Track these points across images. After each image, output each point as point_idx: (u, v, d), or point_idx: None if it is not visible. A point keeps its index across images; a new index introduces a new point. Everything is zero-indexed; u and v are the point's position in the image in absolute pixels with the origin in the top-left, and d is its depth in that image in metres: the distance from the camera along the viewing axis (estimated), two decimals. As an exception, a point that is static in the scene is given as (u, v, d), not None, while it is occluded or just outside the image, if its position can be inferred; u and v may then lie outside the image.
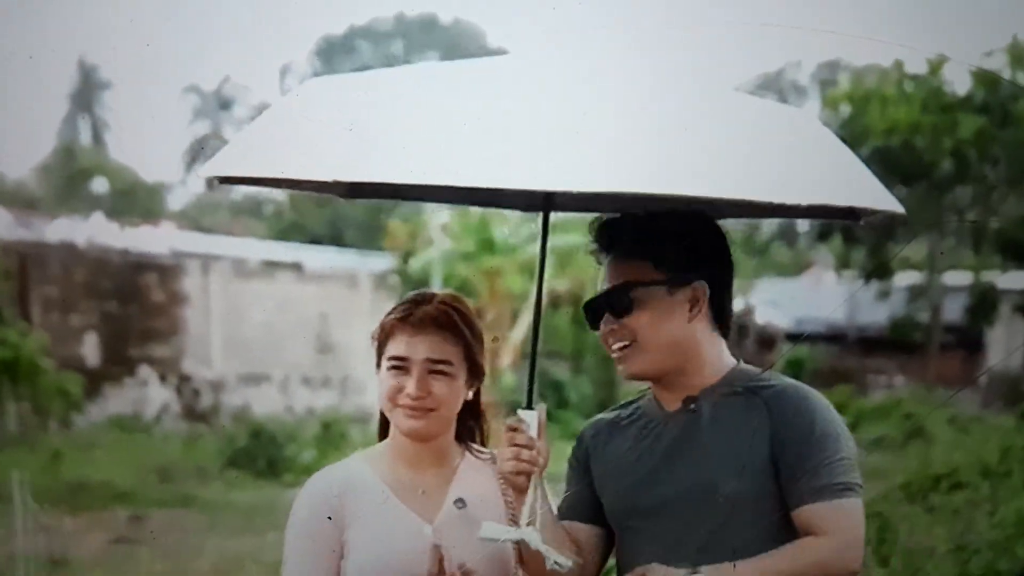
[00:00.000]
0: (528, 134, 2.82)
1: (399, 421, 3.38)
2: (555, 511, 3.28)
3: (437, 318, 3.37)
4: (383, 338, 3.42)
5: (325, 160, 2.91)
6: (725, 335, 3.27)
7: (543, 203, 3.36)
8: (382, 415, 3.57)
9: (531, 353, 3.34)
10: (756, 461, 3.08)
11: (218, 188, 60.64)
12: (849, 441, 3.13)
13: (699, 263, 3.18)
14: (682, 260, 3.16)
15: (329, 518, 3.39)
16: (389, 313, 3.47)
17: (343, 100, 3.09)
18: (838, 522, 3.05)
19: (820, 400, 3.15)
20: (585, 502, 3.32)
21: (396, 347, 3.37)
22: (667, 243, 3.16)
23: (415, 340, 3.35)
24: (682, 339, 3.17)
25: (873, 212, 3.22)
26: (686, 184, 2.73)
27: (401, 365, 3.35)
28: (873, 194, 3.10)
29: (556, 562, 3.10)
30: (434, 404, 3.35)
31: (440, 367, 3.35)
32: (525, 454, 3.12)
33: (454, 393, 3.40)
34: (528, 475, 3.14)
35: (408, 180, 2.88)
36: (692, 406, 3.18)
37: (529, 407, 3.20)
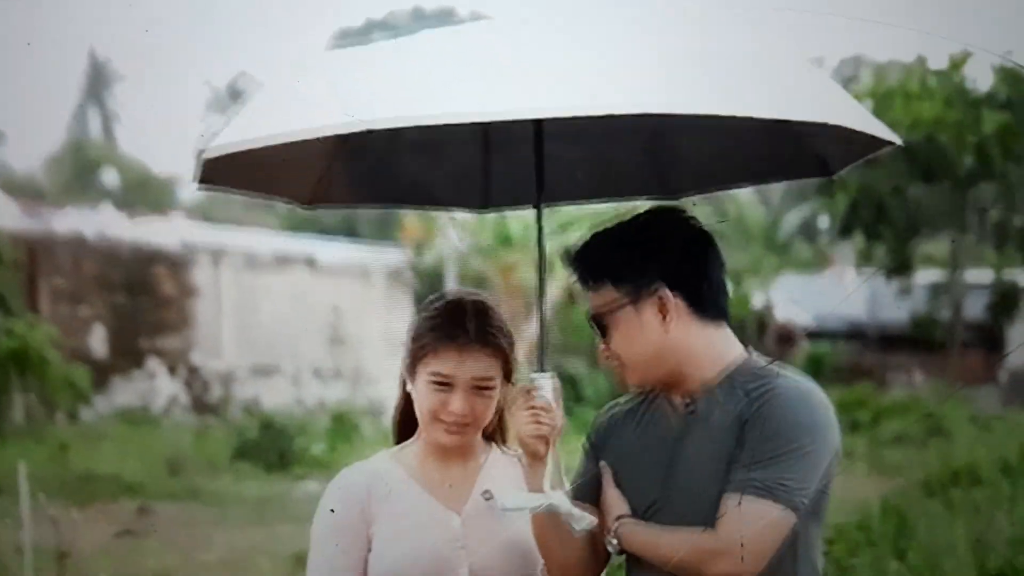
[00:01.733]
0: (517, 62, 2.83)
1: (438, 436, 3.41)
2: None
3: (484, 340, 3.39)
4: (422, 352, 3.41)
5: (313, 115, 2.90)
6: (725, 321, 3.23)
7: (536, 188, 3.39)
8: (401, 417, 3.62)
9: (539, 316, 3.37)
10: (732, 458, 3.03)
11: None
12: (817, 449, 3.03)
13: (656, 269, 3.14)
14: (638, 273, 3.14)
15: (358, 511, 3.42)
16: (423, 323, 3.47)
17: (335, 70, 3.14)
18: (734, 519, 2.97)
19: (809, 401, 3.09)
20: (596, 486, 3.28)
21: (441, 365, 3.36)
22: (618, 261, 3.17)
23: (462, 360, 3.36)
24: (664, 348, 3.14)
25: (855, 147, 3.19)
26: (661, 101, 2.74)
27: (446, 382, 3.36)
28: (867, 120, 3.05)
29: (586, 524, 3.11)
30: (475, 421, 3.39)
31: (485, 383, 3.38)
32: (544, 416, 3.11)
33: (493, 408, 3.44)
34: (546, 440, 3.13)
35: (394, 120, 2.82)
36: (691, 407, 3.17)
37: (541, 371, 3.19)
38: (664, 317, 3.12)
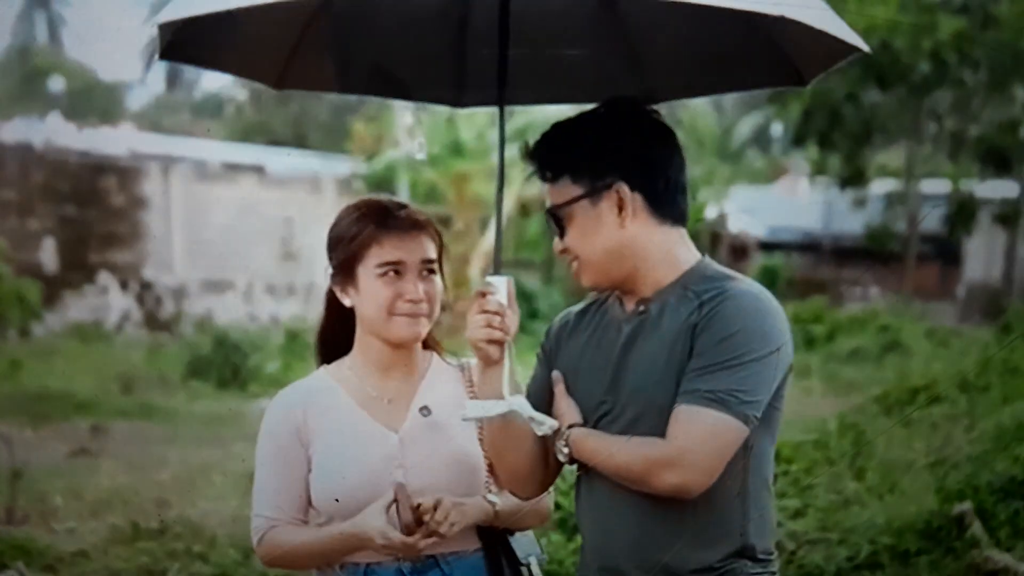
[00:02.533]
0: None
1: (397, 330, 3.42)
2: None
3: (418, 220, 3.45)
4: (362, 248, 3.41)
5: None
6: (682, 225, 3.20)
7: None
8: (324, 338, 3.64)
9: (496, 218, 3.34)
10: (683, 365, 3.01)
11: (179, 85, 60.36)
12: (768, 356, 2.99)
13: (615, 164, 3.11)
14: (597, 167, 3.11)
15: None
16: (350, 225, 3.47)
17: None
18: (684, 429, 2.94)
19: (761, 307, 3.05)
20: (548, 394, 3.27)
21: (388, 253, 3.40)
22: (577, 155, 3.14)
23: (407, 243, 3.41)
24: (618, 245, 3.11)
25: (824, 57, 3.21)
26: None
27: (396, 269, 3.38)
28: (836, 23, 3.05)
29: (547, 426, 3.12)
30: (429, 306, 3.44)
31: (431, 266, 3.44)
32: (496, 320, 3.11)
33: (440, 294, 3.49)
34: (500, 343, 3.13)
35: None
36: (642, 308, 3.15)
37: (497, 274, 3.20)
38: (620, 212, 3.10)
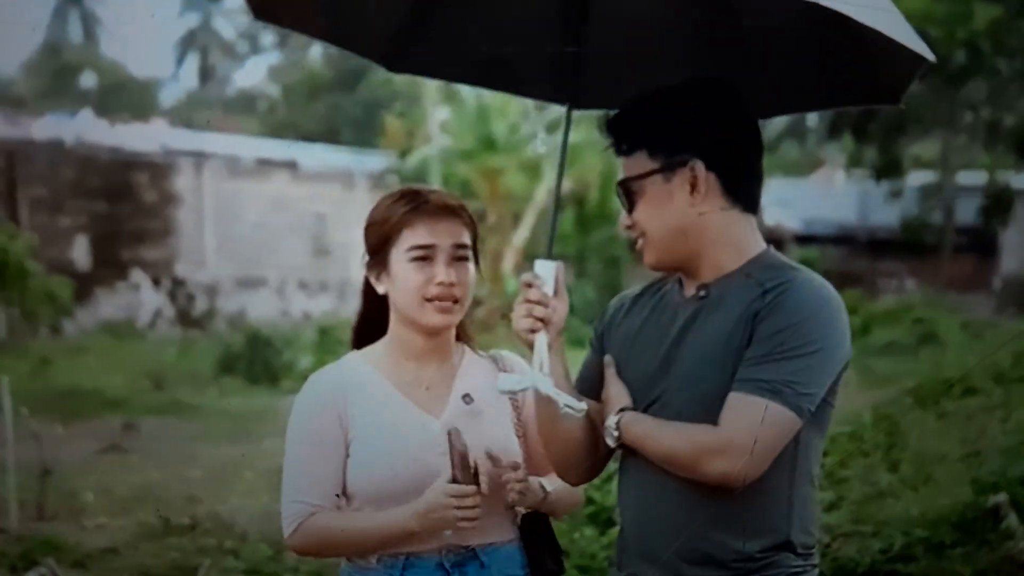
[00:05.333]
0: None
1: (428, 316, 3.40)
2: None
3: (451, 205, 3.43)
4: (394, 231, 3.41)
5: None
6: (753, 213, 3.16)
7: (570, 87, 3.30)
8: (361, 326, 3.62)
9: (554, 204, 3.40)
10: (741, 352, 2.96)
11: (211, 80, 60.53)
12: (828, 350, 2.95)
13: (693, 142, 3.06)
14: (674, 143, 3.06)
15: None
16: (384, 210, 3.47)
17: None
18: (737, 417, 2.89)
19: (825, 300, 2.99)
20: (596, 379, 3.24)
21: (418, 236, 3.39)
22: (656, 128, 3.09)
23: (438, 227, 3.39)
24: (687, 224, 3.06)
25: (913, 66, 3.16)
26: None
27: (426, 255, 3.37)
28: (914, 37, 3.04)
29: (568, 405, 3.07)
30: (461, 293, 3.40)
31: (463, 252, 3.42)
32: (538, 311, 3.07)
33: (473, 281, 3.46)
34: (545, 332, 3.09)
35: None
36: (704, 293, 3.09)
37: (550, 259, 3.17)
38: (692, 191, 3.05)
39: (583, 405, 3.09)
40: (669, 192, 3.05)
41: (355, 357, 3.55)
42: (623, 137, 3.14)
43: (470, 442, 3.27)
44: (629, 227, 3.15)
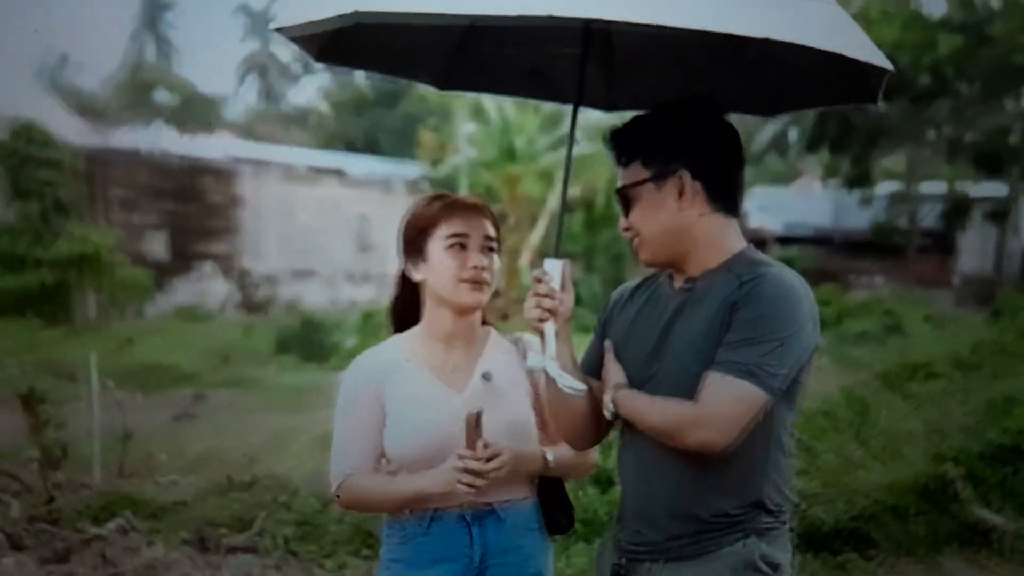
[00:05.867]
0: None
1: (462, 295, 3.46)
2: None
3: (480, 205, 3.54)
4: (432, 223, 3.48)
5: None
6: (735, 217, 3.19)
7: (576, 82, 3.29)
8: (395, 308, 3.68)
9: (561, 204, 3.40)
10: (720, 338, 2.99)
11: (270, 98, 60.51)
12: (795, 337, 2.96)
13: (682, 154, 3.09)
14: (666, 155, 3.09)
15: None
16: (422, 207, 3.54)
17: None
18: (714, 394, 2.92)
19: (794, 291, 3.01)
20: (598, 361, 3.29)
21: (454, 226, 3.46)
22: (650, 142, 3.13)
23: (471, 220, 3.46)
24: (675, 227, 3.11)
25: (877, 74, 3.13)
26: (716, 20, 2.63)
27: (462, 242, 3.44)
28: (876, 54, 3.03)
29: (569, 387, 3.13)
30: (489, 277, 3.46)
31: (491, 244, 3.49)
32: (546, 303, 3.10)
33: (497, 269, 3.54)
34: (551, 320, 3.13)
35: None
36: (689, 286, 3.14)
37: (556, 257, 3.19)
38: (680, 197, 3.09)
39: (583, 386, 3.16)
40: (660, 198, 3.10)
41: (394, 341, 3.60)
42: (622, 149, 3.18)
43: (489, 415, 3.29)
44: (626, 229, 3.20)
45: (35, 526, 8.17)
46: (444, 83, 3.81)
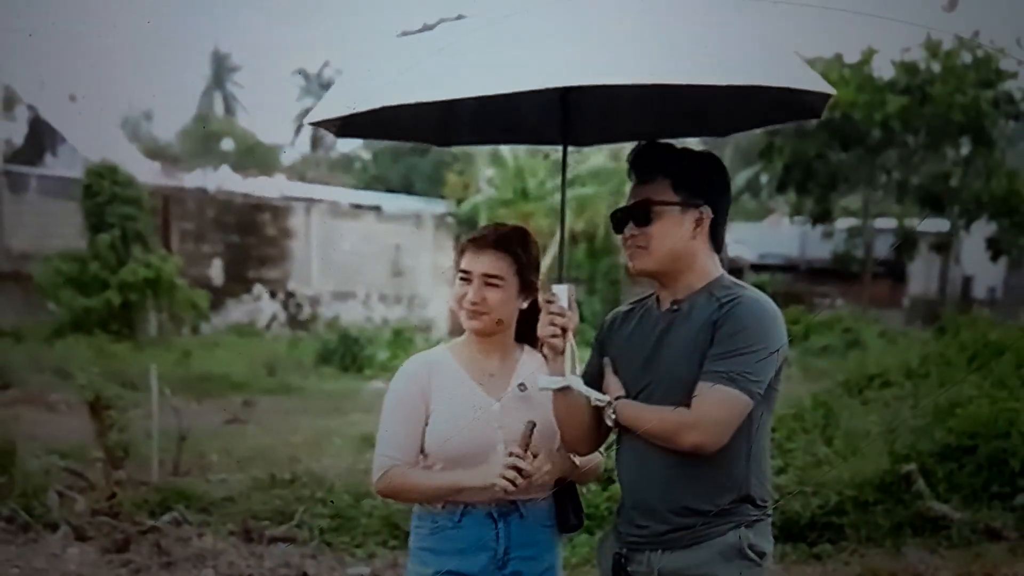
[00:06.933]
0: (542, 37, 2.72)
1: (464, 321, 3.39)
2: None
3: (495, 241, 3.36)
4: (457, 256, 3.45)
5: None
6: (718, 252, 3.17)
7: (561, 128, 3.24)
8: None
9: (560, 240, 3.36)
10: (705, 352, 2.98)
11: (320, 147, 60.74)
12: (770, 349, 2.97)
13: (707, 191, 3.10)
14: (695, 187, 3.08)
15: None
16: (460, 244, 3.49)
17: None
18: (704, 401, 2.93)
19: (766, 311, 3.01)
20: (597, 375, 3.23)
21: (464, 263, 3.38)
22: (686, 171, 3.09)
23: (476, 258, 3.35)
24: (683, 250, 3.09)
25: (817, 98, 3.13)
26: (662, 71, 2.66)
27: (466, 277, 3.35)
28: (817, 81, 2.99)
29: (597, 399, 3.11)
30: (487, 309, 3.34)
31: (493, 280, 3.34)
32: (559, 320, 3.07)
33: (504, 302, 3.36)
34: (563, 338, 3.09)
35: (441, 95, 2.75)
36: (676, 307, 3.12)
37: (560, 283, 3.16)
38: (695, 228, 3.09)
39: (607, 397, 3.12)
40: (680, 223, 3.08)
41: (442, 347, 3.53)
42: (651, 166, 3.12)
43: (521, 421, 3.24)
44: (633, 236, 3.13)
45: (97, 519, 8.06)
46: (442, 141, 3.82)
